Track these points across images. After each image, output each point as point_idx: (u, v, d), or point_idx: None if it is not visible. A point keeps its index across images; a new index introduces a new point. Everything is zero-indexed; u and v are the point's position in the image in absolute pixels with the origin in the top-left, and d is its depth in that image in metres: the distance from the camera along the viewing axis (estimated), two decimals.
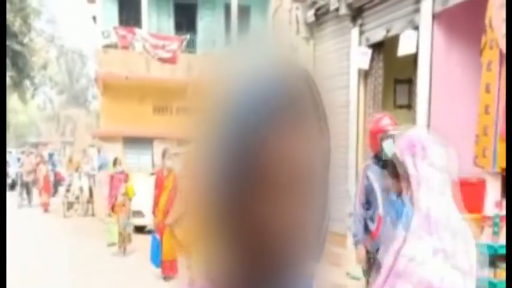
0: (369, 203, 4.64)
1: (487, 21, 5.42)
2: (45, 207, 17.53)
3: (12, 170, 22.11)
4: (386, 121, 4.75)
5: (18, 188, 19.75)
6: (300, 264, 0.63)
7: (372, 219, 4.60)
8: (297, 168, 0.60)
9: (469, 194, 5.97)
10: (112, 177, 10.18)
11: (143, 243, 9.79)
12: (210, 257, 0.64)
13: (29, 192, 19.30)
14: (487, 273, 5.07)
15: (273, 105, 0.60)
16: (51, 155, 24.26)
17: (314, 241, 0.64)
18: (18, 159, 22.04)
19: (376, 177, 4.58)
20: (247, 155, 0.59)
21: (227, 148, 0.60)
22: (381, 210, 4.54)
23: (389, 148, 4.44)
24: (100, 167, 16.71)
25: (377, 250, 4.50)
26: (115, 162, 10.29)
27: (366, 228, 4.64)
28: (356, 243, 4.77)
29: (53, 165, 21.85)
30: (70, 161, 22.22)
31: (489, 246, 5.04)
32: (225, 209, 0.61)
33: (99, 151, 17.62)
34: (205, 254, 0.64)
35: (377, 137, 4.58)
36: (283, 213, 0.60)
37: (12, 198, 18.42)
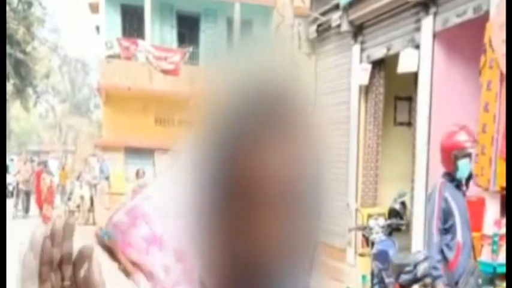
0: (445, 228, 4.08)
1: (486, 41, 5.48)
2: (47, 219, 16.72)
3: (12, 178, 21.03)
4: (462, 137, 4.07)
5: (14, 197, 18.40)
6: (289, 277, 0.63)
7: (449, 247, 4.06)
8: (284, 182, 0.60)
9: (469, 213, 6.00)
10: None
11: None
12: (201, 266, 0.65)
13: (25, 203, 18.04)
14: None
15: (259, 117, 0.60)
16: (44, 163, 23.79)
17: (303, 254, 0.64)
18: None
19: (454, 199, 4.06)
20: (231, 167, 0.60)
21: (211, 160, 0.61)
22: (459, 236, 4.06)
23: (465, 168, 4.05)
24: (103, 177, 16.75)
25: (456, 283, 4.04)
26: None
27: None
28: (435, 279, 4.04)
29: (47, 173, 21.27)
30: (63, 169, 22.06)
31: (488, 265, 5.06)
32: (212, 221, 0.62)
33: (99, 160, 17.63)
34: (198, 263, 0.66)
35: (450, 153, 4.04)
36: (270, 226, 0.60)
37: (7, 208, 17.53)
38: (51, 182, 18.16)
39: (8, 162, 28.12)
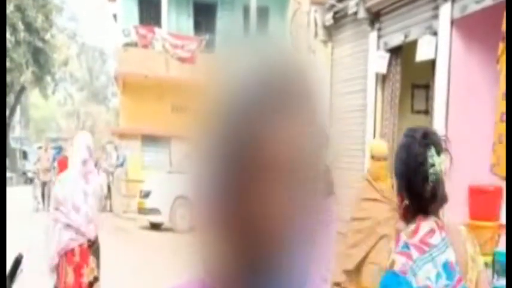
0: None
1: (504, 28, 5.39)
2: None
3: (32, 166, 19.52)
4: None
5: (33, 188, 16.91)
6: (293, 253, 0.64)
7: None
8: (288, 159, 0.61)
9: (486, 202, 5.95)
10: None
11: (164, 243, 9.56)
12: (207, 249, 0.66)
13: (45, 195, 16.34)
14: (503, 281, 5.04)
15: (265, 97, 0.61)
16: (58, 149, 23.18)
17: (306, 230, 0.65)
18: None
19: None
20: (239, 146, 0.61)
21: (221, 139, 0.62)
22: None
23: None
24: (120, 164, 16.86)
25: None
26: None
27: None
28: None
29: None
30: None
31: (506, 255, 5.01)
32: (219, 200, 0.63)
33: (116, 148, 17.72)
34: (203, 246, 0.66)
35: None
36: (275, 202, 0.62)
37: (27, 199, 16.68)
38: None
39: (27, 149, 28.43)
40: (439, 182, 1.91)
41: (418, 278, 1.77)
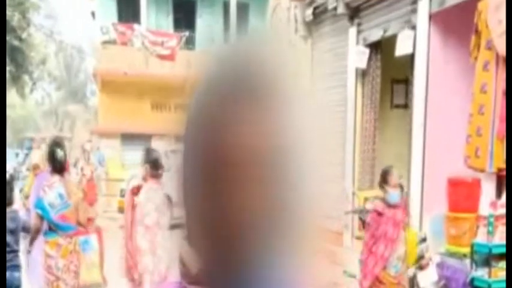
0: None
1: (479, 22, 5.47)
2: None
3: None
4: None
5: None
6: (262, 254, 0.63)
7: None
8: (256, 155, 0.61)
9: (465, 194, 6.02)
10: None
11: None
12: (186, 247, 0.66)
13: None
14: (482, 272, 5.11)
15: (233, 93, 0.61)
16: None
17: (274, 228, 0.64)
18: (17, 155, 20.44)
19: None
20: (207, 144, 0.61)
21: (191, 138, 0.63)
22: None
23: None
24: (100, 163, 16.68)
25: None
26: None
27: None
28: None
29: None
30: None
31: (484, 246, 5.08)
32: (193, 201, 0.64)
33: (93, 148, 17.51)
34: (182, 245, 0.67)
35: None
36: (244, 200, 0.61)
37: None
38: (92, 174, 13.31)
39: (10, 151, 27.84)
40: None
41: None
